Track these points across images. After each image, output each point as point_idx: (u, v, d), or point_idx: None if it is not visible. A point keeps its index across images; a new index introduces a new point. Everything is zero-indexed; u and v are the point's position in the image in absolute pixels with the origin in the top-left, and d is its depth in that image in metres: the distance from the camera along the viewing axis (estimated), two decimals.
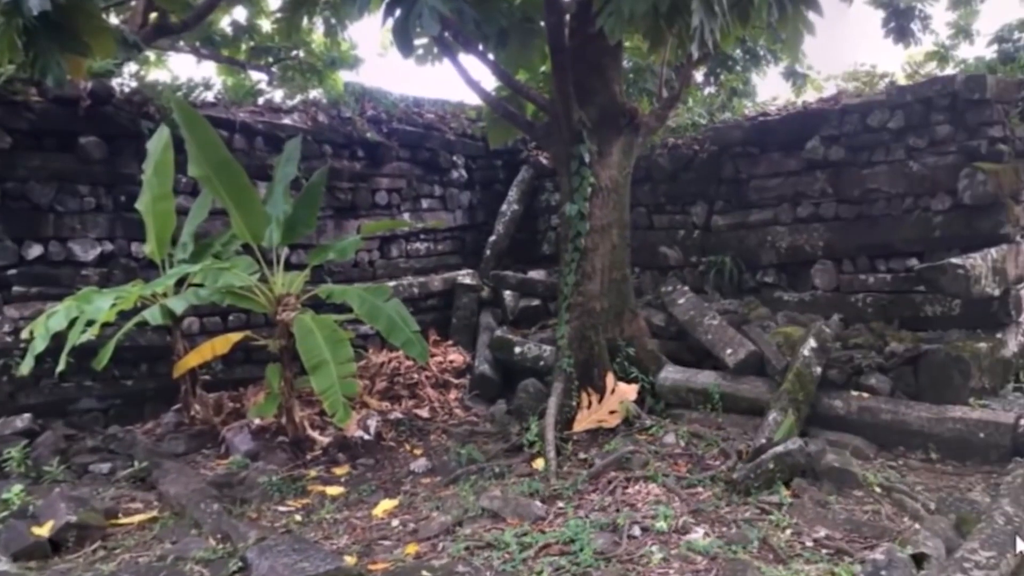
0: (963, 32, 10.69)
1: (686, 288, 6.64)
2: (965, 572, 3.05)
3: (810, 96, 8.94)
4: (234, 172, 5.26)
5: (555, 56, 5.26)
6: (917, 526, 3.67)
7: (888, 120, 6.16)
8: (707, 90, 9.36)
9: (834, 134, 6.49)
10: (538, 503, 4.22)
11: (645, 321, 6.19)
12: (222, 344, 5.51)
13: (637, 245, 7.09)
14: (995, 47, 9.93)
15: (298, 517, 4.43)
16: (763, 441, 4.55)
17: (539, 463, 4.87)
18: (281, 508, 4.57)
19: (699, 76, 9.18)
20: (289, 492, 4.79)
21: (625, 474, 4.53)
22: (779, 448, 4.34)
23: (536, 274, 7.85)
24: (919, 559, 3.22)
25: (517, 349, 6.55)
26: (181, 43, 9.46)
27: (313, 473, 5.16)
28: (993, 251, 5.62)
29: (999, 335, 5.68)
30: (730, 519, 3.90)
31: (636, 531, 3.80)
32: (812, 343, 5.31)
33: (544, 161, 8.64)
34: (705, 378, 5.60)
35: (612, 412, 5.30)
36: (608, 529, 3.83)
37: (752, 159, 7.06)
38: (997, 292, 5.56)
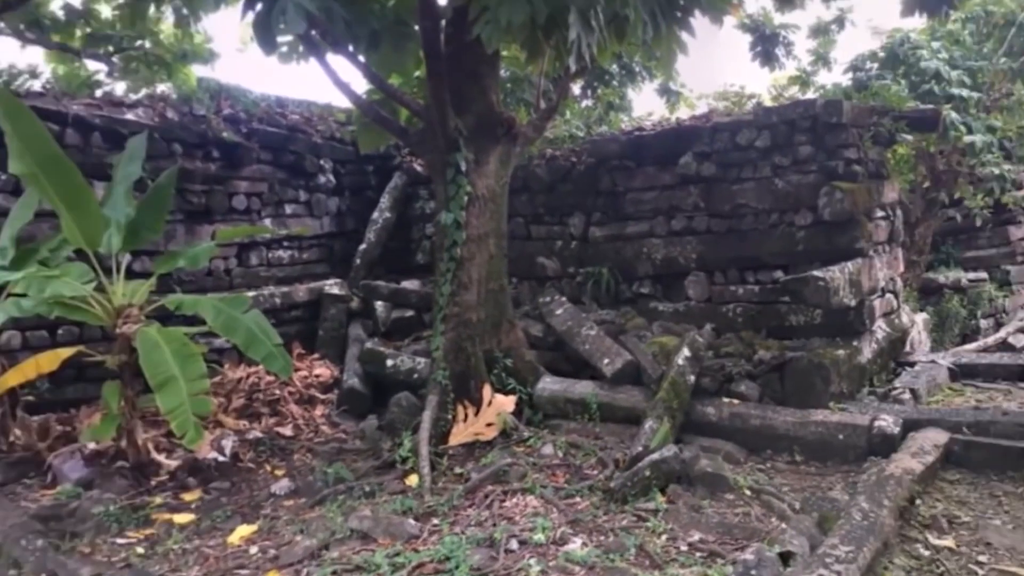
0: (822, 59, 11.75)
1: (564, 299, 6.76)
2: (827, 567, 3.25)
3: (683, 113, 9.48)
4: (65, 169, 4.84)
5: (430, 62, 5.24)
6: (784, 526, 3.89)
7: (756, 139, 6.57)
8: (584, 103, 9.68)
9: (706, 150, 6.83)
10: (411, 521, 4.15)
11: (523, 332, 6.24)
12: (49, 361, 4.99)
13: (515, 255, 7.20)
14: (850, 75, 11.00)
15: (140, 549, 4.10)
16: (640, 449, 4.68)
17: (413, 479, 4.79)
18: (120, 540, 4.21)
19: (576, 89, 9.49)
20: (130, 522, 4.41)
21: (502, 487, 4.53)
22: (655, 455, 4.50)
23: (410, 284, 7.74)
24: (786, 557, 3.40)
25: (389, 362, 6.40)
26: (2, 24, 8.61)
27: (159, 500, 4.78)
28: (850, 264, 6.11)
29: (855, 343, 6.17)
30: (608, 528, 3.99)
31: (514, 545, 3.81)
32: (686, 352, 5.55)
33: (418, 168, 8.59)
34: (583, 388, 5.70)
35: (489, 425, 5.30)
36: (485, 544, 3.82)
37: (628, 172, 7.30)
38: (854, 303, 6.04)
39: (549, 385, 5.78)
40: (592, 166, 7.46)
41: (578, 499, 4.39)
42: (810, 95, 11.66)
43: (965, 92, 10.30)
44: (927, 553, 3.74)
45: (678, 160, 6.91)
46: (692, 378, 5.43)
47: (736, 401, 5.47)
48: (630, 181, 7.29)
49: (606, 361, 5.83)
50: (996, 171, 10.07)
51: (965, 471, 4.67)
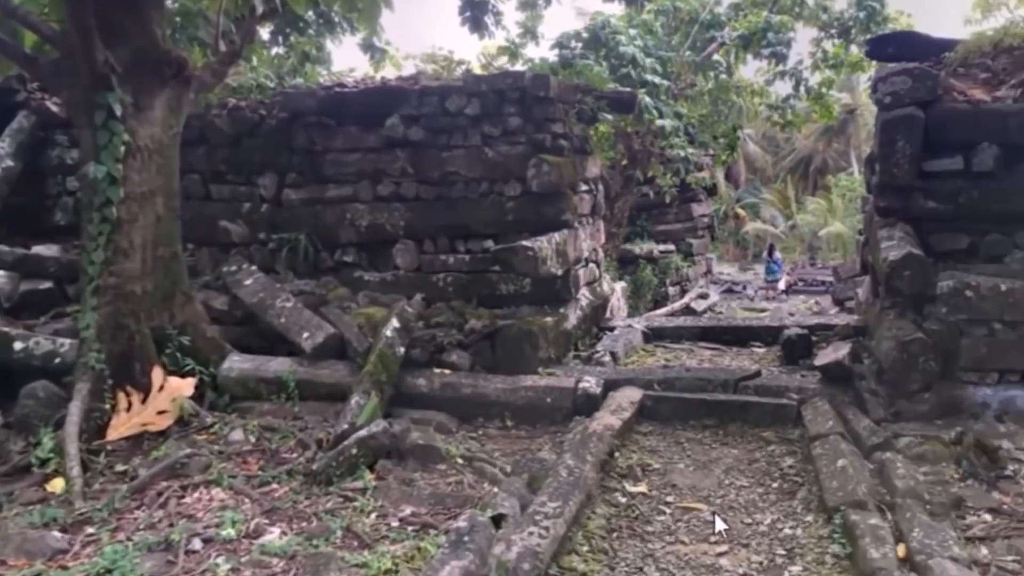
0: (530, 33, 12.70)
1: (254, 267, 6.58)
2: (536, 524, 3.61)
3: (389, 73, 9.58)
4: None
5: None
6: (496, 490, 4.22)
7: (465, 106, 6.89)
8: (275, 51, 9.37)
9: (414, 114, 7.00)
10: (56, 534, 3.78)
11: (203, 305, 6.02)
12: None
13: (191, 218, 6.77)
14: (556, 52, 12.04)
15: None
16: (345, 426, 4.74)
17: (57, 484, 4.33)
18: None
19: (265, 34, 9.13)
20: None
21: (181, 482, 4.34)
22: (362, 432, 4.59)
23: (45, 250, 6.84)
24: (498, 520, 3.69)
25: (19, 345, 5.61)
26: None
27: None
28: (556, 235, 6.72)
29: (562, 310, 6.82)
30: (310, 513, 4.00)
31: (196, 544, 3.68)
32: (395, 323, 5.70)
33: (53, 108, 7.63)
34: (279, 365, 5.64)
35: (162, 412, 5.02)
36: (160, 548, 3.64)
37: (328, 131, 7.23)
38: (560, 272, 6.67)
39: (237, 364, 5.64)
40: (285, 121, 7.27)
41: (275, 486, 4.33)
42: (519, 67, 12.58)
43: (657, 79, 11.85)
44: (624, 500, 4.34)
45: (384, 122, 7.00)
46: (401, 350, 5.61)
47: (448, 371, 5.77)
48: (330, 140, 7.23)
49: (305, 335, 5.79)
50: (682, 153, 11.77)
51: (656, 423, 5.46)
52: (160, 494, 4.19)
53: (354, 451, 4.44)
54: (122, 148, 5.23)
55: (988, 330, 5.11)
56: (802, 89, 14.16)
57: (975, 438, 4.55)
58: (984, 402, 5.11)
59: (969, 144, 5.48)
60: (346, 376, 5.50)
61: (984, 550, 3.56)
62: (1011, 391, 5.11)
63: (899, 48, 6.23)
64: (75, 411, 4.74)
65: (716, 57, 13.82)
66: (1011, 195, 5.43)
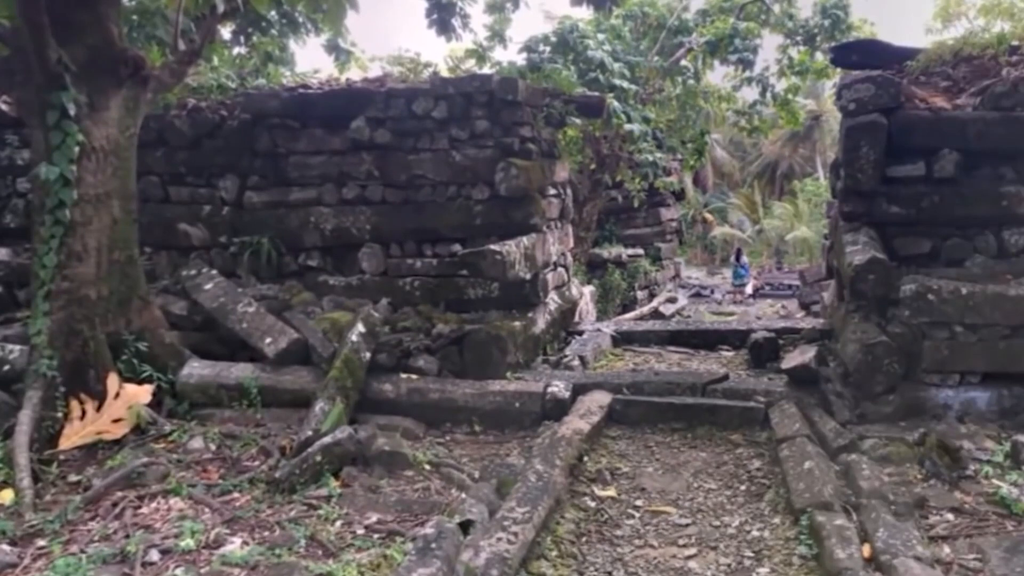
0: (498, 36, 12.73)
1: (214, 272, 6.53)
2: (505, 529, 3.61)
3: (354, 75, 9.55)
4: None
5: None
6: (464, 496, 4.21)
7: (432, 109, 6.88)
8: (237, 50, 9.28)
9: (380, 117, 6.98)
10: (6, 547, 3.70)
11: (162, 310, 5.97)
12: None
13: (149, 221, 6.76)
14: (524, 55, 12.09)
15: None
16: (309, 433, 4.71)
17: (6, 495, 4.24)
18: None
19: (227, 33, 9.05)
20: None
21: (137, 492, 4.27)
22: (327, 439, 4.56)
23: None
24: (466, 526, 3.67)
25: None
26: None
27: None
28: (525, 239, 6.75)
29: (530, 314, 6.84)
30: (273, 521, 3.96)
31: (154, 556, 3.61)
32: (360, 328, 5.68)
33: (4, 107, 7.48)
34: (240, 371, 5.62)
35: (117, 421, 4.94)
36: (116, 560, 3.57)
37: (292, 133, 7.18)
38: (529, 276, 6.70)
39: (197, 370, 5.60)
40: (247, 123, 7.21)
41: (237, 495, 4.29)
42: (486, 70, 12.59)
43: (625, 84, 11.97)
44: (593, 504, 4.36)
45: (349, 124, 6.97)
46: (367, 355, 5.59)
47: (415, 376, 5.76)
48: (294, 143, 7.18)
49: (268, 340, 5.77)
50: (651, 158, 11.88)
51: (624, 427, 5.49)
52: (115, 504, 4.11)
53: (318, 458, 4.40)
54: (76, 149, 5.17)
55: (949, 333, 5.20)
56: (768, 95, 14.39)
57: (937, 439, 4.63)
58: (946, 403, 5.22)
59: (931, 150, 5.60)
60: (310, 382, 5.48)
61: (947, 549, 3.62)
62: (971, 392, 5.21)
63: (863, 56, 6.35)
64: (25, 420, 4.64)
65: (684, 62, 13.99)
66: (971, 200, 5.57)
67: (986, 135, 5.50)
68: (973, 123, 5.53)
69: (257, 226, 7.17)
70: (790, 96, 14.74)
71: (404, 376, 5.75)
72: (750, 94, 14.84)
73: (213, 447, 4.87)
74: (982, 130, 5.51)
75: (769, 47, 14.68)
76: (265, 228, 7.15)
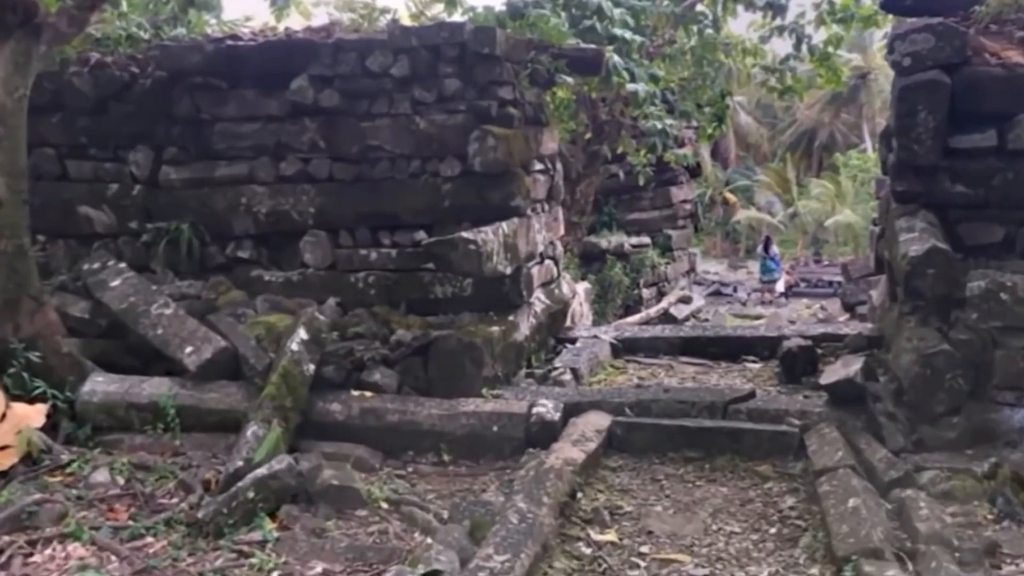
0: None
1: (123, 265, 6.52)
2: None
3: (295, 23, 9.52)
4: None
5: None
6: (429, 540, 4.25)
7: (391, 65, 6.87)
8: None
9: (327, 74, 6.97)
10: None
11: (58, 312, 5.99)
12: None
13: (43, 203, 6.75)
14: None
15: None
16: (240, 464, 4.72)
17: None
18: None
19: None
20: None
21: (28, 536, 4.28)
22: (262, 470, 4.58)
23: None
24: None
25: None
26: None
27: None
28: (505, 225, 6.76)
29: (512, 317, 6.85)
30: (195, 572, 4.00)
31: None
32: (303, 334, 5.68)
33: None
34: (155, 388, 5.62)
35: (3, 448, 4.94)
36: None
37: (218, 95, 7.18)
38: (509, 270, 6.71)
39: (102, 386, 5.61)
40: (164, 82, 7.20)
41: (150, 539, 4.32)
42: (457, 17, 12.56)
43: (628, 34, 11.94)
44: (589, 551, 4.38)
45: (289, 83, 6.97)
46: (311, 367, 5.59)
47: (369, 394, 5.78)
48: (221, 107, 7.18)
49: (189, 350, 5.77)
50: (659, 125, 11.89)
51: (627, 456, 5.53)
52: (1, 551, 4.10)
53: (251, 494, 4.42)
54: None
55: None
56: (804, 48, 14.43)
57: (1012, 471, 4.69)
58: (1023, 427, 5.26)
59: (1004, 116, 5.67)
60: (241, 401, 5.49)
61: None
62: None
63: None
64: None
65: (700, 7, 14.01)
66: None
67: None
68: None
69: (175, 209, 7.14)
70: (831, 49, 14.80)
71: (356, 394, 5.76)
72: (782, 47, 14.89)
73: (121, 481, 4.86)
74: None
75: None
76: (185, 212, 7.12)
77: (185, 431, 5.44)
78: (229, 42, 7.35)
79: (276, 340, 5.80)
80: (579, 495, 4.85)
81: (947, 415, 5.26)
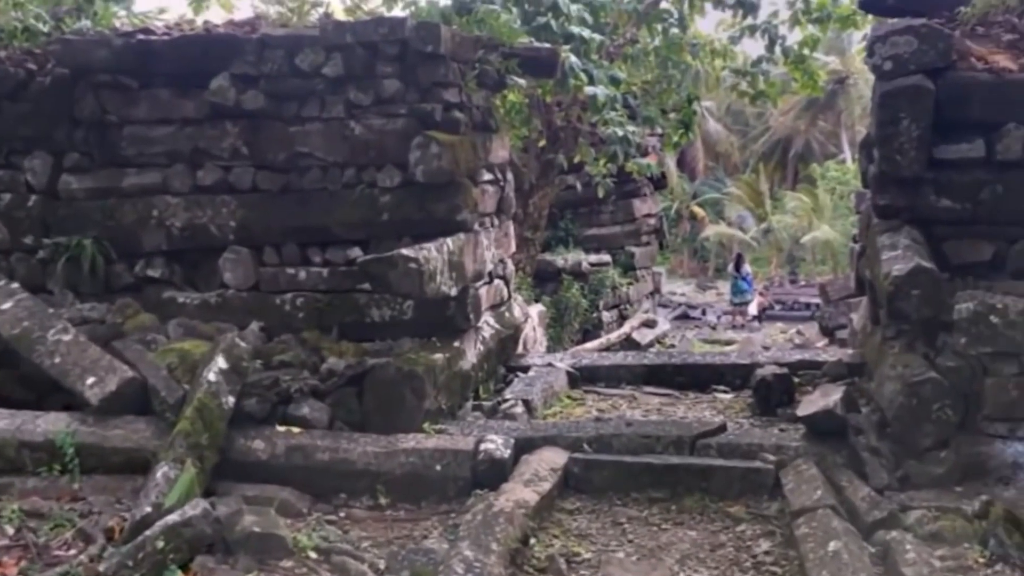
0: None
1: (15, 285, 6.44)
2: None
3: (215, 16, 9.46)
4: None
5: None
6: None
7: (323, 64, 6.86)
8: None
9: (251, 73, 6.94)
10: None
11: None
12: None
13: None
14: None
15: None
16: (148, 510, 4.64)
17: None
18: None
19: None
20: None
21: None
22: (173, 517, 4.49)
23: None
24: None
25: None
26: None
27: None
28: (450, 241, 6.75)
29: (457, 343, 6.85)
30: None
31: None
32: (221, 363, 5.62)
33: None
34: (51, 424, 5.55)
35: None
36: None
37: (128, 95, 7.14)
38: (454, 291, 6.69)
39: None
40: (65, 80, 7.16)
41: None
42: (398, 12, 12.57)
43: (587, 32, 12.03)
44: None
45: (208, 83, 6.93)
46: (231, 400, 5.53)
47: (296, 429, 5.72)
48: (130, 108, 7.15)
49: (91, 381, 5.70)
50: (620, 132, 11.96)
51: (586, 497, 5.52)
52: None
53: (160, 544, 4.32)
54: None
55: (1019, 367, 5.35)
56: (778, 50, 14.65)
57: (1005, 509, 4.73)
58: (1016, 461, 5.35)
59: (992, 125, 5.78)
60: (150, 438, 5.43)
61: None
62: None
63: None
64: None
65: (665, 5, 14.17)
66: None
67: None
68: None
69: (77, 222, 7.08)
70: (806, 51, 15.05)
71: (282, 429, 5.70)
72: (754, 48, 15.10)
73: (11, 530, 4.75)
74: None
75: None
76: (89, 225, 7.06)
77: (85, 473, 5.35)
78: (140, 36, 7.30)
79: (191, 370, 5.74)
80: (532, 541, 4.83)
81: (935, 449, 5.31)
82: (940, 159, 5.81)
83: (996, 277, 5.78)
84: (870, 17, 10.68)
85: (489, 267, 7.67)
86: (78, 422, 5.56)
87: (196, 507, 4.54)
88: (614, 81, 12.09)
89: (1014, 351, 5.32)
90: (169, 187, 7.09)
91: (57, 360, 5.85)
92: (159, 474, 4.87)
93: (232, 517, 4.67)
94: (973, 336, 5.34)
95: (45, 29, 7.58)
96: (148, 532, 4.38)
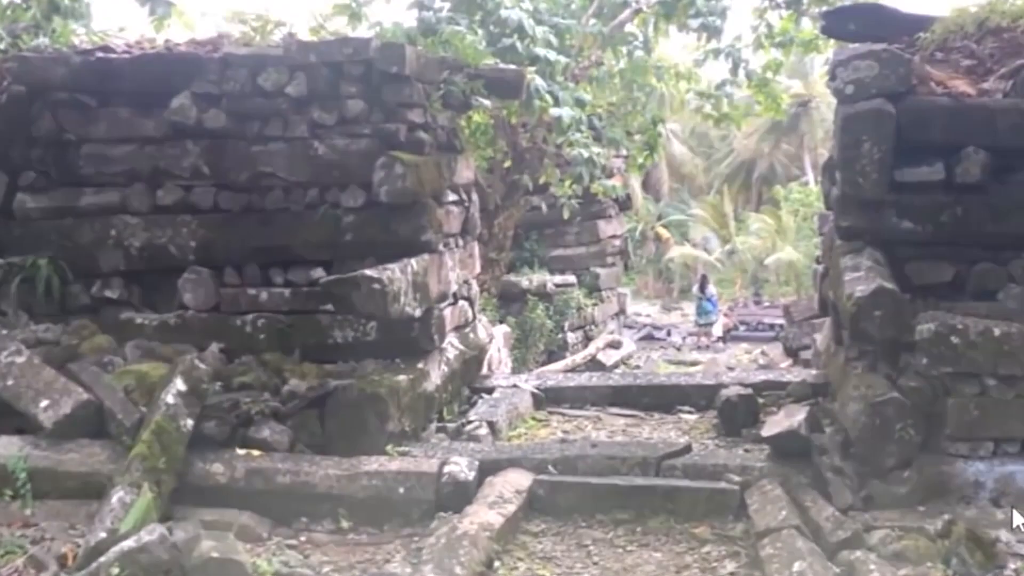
0: None
1: None
2: None
3: (177, 34, 9.41)
4: None
5: None
6: None
7: (287, 83, 6.85)
8: None
9: (213, 92, 6.92)
10: None
11: None
12: None
13: None
14: (415, 13, 12.12)
15: None
16: (103, 535, 4.63)
17: None
18: None
19: None
20: None
21: None
22: (129, 543, 4.45)
23: None
24: None
25: None
26: None
27: None
28: (414, 262, 6.74)
29: (421, 365, 6.81)
30: None
31: None
32: (180, 385, 5.59)
33: None
34: (2, 448, 5.57)
35: None
36: None
37: (86, 113, 7.09)
38: (418, 312, 6.68)
39: None
40: (22, 98, 7.10)
41: None
42: (363, 32, 12.57)
43: (552, 54, 12.11)
44: None
45: (169, 102, 6.90)
46: (189, 423, 5.50)
47: (257, 452, 5.68)
48: (89, 127, 7.10)
49: (44, 404, 5.69)
50: (585, 154, 12.06)
51: (551, 519, 5.51)
52: None
53: (115, 571, 4.28)
54: None
55: (980, 387, 5.40)
56: (741, 73, 14.83)
57: (967, 528, 4.77)
58: (977, 480, 5.39)
59: (952, 148, 5.83)
60: (105, 462, 5.42)
61: None
62: (1010, 466, 5.40)
63: (863, 24, 6.62)
64: None
65: (630, 27, 14.29)
66: (1005, 213, 5.81)
67: (1022, 129, 5.73)
68: (1005, 113, 5.77)
69: (32, 242, 6.99)
70: (769, 75, 15.23)
71: (242, 452, 5.66)
72: (718, 71, 15.26)
73: None
74: (1017, 122, 5.74)
75: (743, 9, 15.16)
76: (44, 245, 6.98)
77: (38, 498, 5.32)
78: (100, 54, 7.29)
79: (149, 392, 5.71)
80: (497, 564, 4.82)
81: (898, 468, 5.35)
82: (901, 182, 5.86)
83: (957, 298, 5.82)
84: (832, 42, 10.85)
85: (454, 288, 7.64)
86: (31, 446, 5.54)
87: (152, 532, 4.50)
88: (579, 103, 12.18)
89: (975, 371, 5.36)
90: (128, 207, 7.02)
91: (10, 382, 5.80)
92: (115, 499, 4.85)
93: (190, 542, 4.61)
94: (935, 356, 5.38)
95: (1, 46, 7.53)
96: (102, 559, 4.35)
